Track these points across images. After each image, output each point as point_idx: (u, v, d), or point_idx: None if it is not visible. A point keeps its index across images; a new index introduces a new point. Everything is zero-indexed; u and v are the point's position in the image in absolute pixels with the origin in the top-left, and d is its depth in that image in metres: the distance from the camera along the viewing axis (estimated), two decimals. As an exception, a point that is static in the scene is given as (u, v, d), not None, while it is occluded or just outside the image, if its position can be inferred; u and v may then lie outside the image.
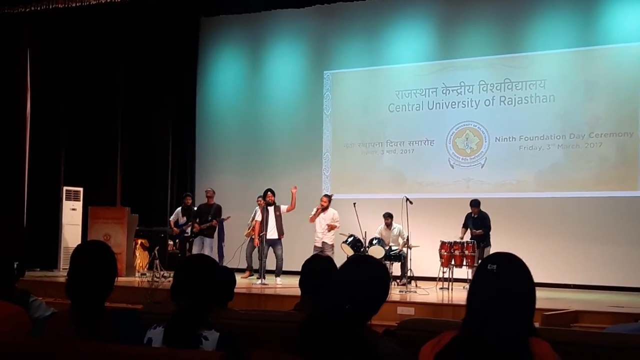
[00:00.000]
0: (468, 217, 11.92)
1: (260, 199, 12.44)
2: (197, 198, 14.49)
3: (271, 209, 11.82)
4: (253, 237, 12.82)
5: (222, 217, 12.97)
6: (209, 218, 12.69)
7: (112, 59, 14.57)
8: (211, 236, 12.74)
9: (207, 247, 12.59)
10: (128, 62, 14.88)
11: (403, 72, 14.03)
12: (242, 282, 11.67)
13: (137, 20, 14.40)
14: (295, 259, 11.66)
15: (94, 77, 14.43)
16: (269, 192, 11.88)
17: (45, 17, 13.14)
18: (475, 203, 11.84)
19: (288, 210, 12.01)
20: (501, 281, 2.24)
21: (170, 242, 14.06)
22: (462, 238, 11.62)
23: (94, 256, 3.07)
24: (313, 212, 12.07)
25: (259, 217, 11.88)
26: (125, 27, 14.50)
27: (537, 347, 2.16)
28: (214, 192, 13.06)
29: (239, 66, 15.62)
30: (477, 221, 11.77)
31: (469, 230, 11.83)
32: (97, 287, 3.01)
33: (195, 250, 12.48)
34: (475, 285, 2.30)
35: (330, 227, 11.95)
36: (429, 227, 12.53)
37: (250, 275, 12.71)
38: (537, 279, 2.32)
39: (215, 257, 13.00)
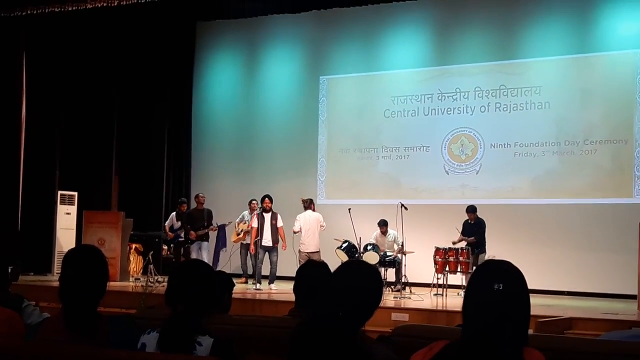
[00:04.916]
0: (465, 224, 11.88)
1: (254, 202, 12.36)
2: (193, 203, 14.46)
3: (267, 215, 11.75)
4: (243, 242, 12.81)
5: (224, 223, 12.98)
6: (205, 224, 12.64)
7: (108, 63, 14.55)
8: (207, 239, 12.75)
9: (204, 251, 12.56)
10: (124, 66, 14.86)
11: (399, 78, 14.04)
12: (237, 287, 11.60)
13: (133, 24, 14.37)
14: (290, 265, 11.70)
15: (90, 81, 14.42)
16: (266, 199, 11.81)
17: (41, 20, 13.11)
18: (471, 209, 11.81)
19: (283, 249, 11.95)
20: (507, 300, 2.15)
21: (165, 247, 14.03)
22: (454, 243, 11.62)
23: (86, 260, 3.06)
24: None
25: (255, 224, 11.82)
26: (121, 31, 14.48)
27: (530, 357, 2.13)
28: (204, 199, 12.98)
29: (235, 71, 15.61)
30: (473, 227, 11.75)
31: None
32: (89, 291, 3.01)
33: (193, 256, 12.24)
34: (476, 301, 2.19)
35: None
36: (424, 233, 12.53)
37: (245, 282, 12.70)
38: (531, 285, 2.29)
39: (210, 261, 13.00)
